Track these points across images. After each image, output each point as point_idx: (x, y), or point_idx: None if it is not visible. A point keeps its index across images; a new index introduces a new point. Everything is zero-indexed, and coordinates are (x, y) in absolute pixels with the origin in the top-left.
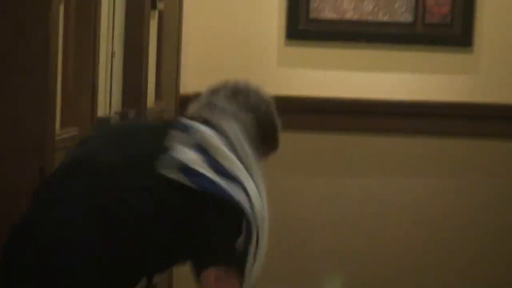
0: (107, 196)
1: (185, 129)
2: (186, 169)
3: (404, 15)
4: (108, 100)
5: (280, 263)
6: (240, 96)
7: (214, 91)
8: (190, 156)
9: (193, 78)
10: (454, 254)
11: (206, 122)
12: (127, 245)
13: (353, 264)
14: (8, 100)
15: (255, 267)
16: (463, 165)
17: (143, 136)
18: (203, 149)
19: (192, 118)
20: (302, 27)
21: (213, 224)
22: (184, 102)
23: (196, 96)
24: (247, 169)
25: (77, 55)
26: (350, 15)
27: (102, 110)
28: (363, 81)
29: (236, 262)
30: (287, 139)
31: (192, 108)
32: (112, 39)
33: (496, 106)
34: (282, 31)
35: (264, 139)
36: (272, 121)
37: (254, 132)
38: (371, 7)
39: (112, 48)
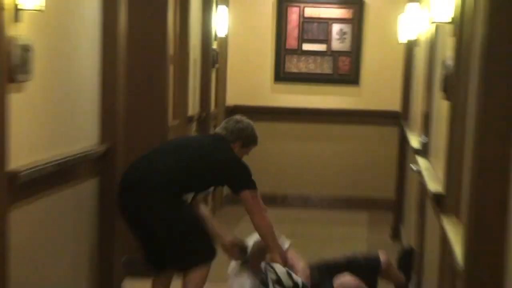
0: (185, 155)
1: (219, 137)
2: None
3: (328, 70)
4: (192, 104)
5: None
6: (234, 123)
7: (227, 121)
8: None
9: (231, 95)
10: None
11: (221, 134)
12: (189, 176)
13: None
14: (145, 102)
15: None
16: (359, 138)
17: (202, 138)
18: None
19: (216, 133)
20: (282, 75)
21: (238, 170)
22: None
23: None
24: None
25: (180, 71)
26: (305, 70)
27: (189, 111)
28: (313, 100)
29: (255, 186)
30: (280, 127)
31: (218, 129)
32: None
33: (372, 110)
34: (272, 76)
35: (250, 140)
36: (252, 132)
37: (243, 136)
38: (313, 66)
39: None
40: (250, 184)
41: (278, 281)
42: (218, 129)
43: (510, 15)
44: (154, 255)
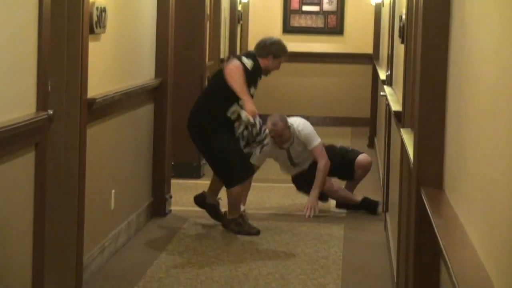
0: (212, 81)
1: (250, 54)
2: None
3: (321, 24)
4: (223, 49)
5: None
6: (264, 41)
7: (259, 42)
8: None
9: (251, 43)
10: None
11: (253, 52)
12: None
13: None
14: (188, 48)
15: None
16: (343, 73)
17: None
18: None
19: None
20: (288, 28)
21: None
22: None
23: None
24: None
25: (214, 26)
26: (304, 24)
27: (221, 54)
28: (310, 46)
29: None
30: (286, 66)
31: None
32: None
33: (352, 53)
34: (281, 29)
35: (280, 51)
36: (280, 43)
37: (274, 49)
38: (310, 21)
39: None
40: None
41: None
42: (255, 50)
43: None
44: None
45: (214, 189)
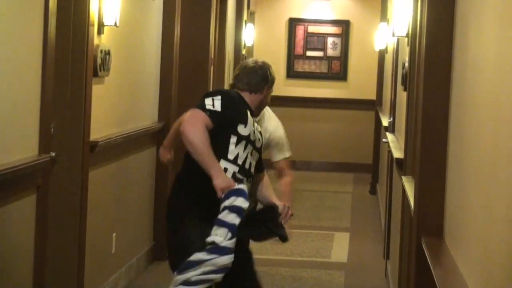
0: None
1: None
2: None
3: (324, 70)
4: None
5: None
6: (251, 71)
7: (244, 72)
8: None
9: None
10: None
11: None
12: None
13: None
14: (192, 92)
15: None
16: (346, 119)
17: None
18: None
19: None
20: (292, 73)
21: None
22: None
23: None
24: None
25: (218, 70)
26: (308, 69)
27: None
28: (313, 91)
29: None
30: (290, 111)
31: (240, 84)
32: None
33: (355, 99)
34: (285, 74)
35: (272, 77)
36: (270, 69)
37: (268, 79)
38: (314, 67)
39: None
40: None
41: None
42: (240, 85)
43: (443, 32)
44: None
45: None
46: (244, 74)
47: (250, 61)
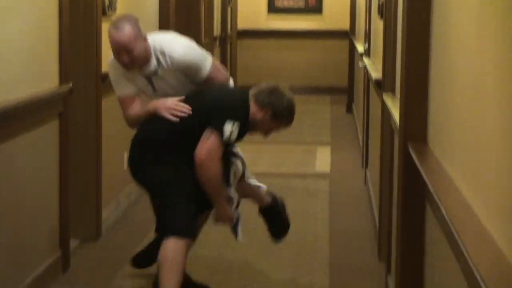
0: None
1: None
2: None
3: (301, 5)
4: (215, 28)
5: None
6: (274, 89)
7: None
8: None
9: (240, 22)
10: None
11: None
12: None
13: None
14: (186, 26)
15: None
16: (323, 48)
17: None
18: None
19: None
20: (272, 9)
21: None
22: None
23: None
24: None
25: (208, 5)
26: (287, 5)
27: (214, 32)
28: (292, 24)
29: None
30: (271, 42)
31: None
32: None
33: (330, 30)
34: (267, 10)
35: (285, 114)
36: (290, 106)
37: (277, 105)
38: (292, 2)
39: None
40: None
41: None
42: (259, 95)
43: None
44: None
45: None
46: (273, 94)
47: (287, 90)
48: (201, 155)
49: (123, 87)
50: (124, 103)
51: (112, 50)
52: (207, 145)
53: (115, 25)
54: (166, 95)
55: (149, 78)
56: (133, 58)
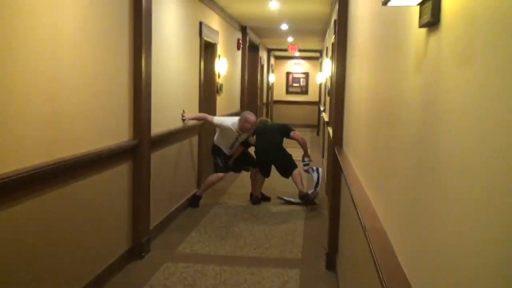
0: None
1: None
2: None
3: (299, 90)
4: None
5: None
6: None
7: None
8: None
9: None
10: None
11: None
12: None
13: None
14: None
15: None
16: (308, 110)
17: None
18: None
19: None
20: (288, 91)
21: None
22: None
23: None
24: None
25: (205, 91)
26: (293, 89)
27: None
28: (294, 98)
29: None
30: (286, 107)
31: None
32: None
33: (311, 101)
34: (285, 91)
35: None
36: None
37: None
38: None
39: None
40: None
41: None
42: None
43: (340, 73)
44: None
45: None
46: (261, 120)
47: (267, 120)
48: (300, 135)
49: (225, 126)
50: (217, 127)
51: (245, 122)
52: (299, 134)
53: (250, 113)
54: (237, 141)
55: (238, 135)
56: (252, 128)
